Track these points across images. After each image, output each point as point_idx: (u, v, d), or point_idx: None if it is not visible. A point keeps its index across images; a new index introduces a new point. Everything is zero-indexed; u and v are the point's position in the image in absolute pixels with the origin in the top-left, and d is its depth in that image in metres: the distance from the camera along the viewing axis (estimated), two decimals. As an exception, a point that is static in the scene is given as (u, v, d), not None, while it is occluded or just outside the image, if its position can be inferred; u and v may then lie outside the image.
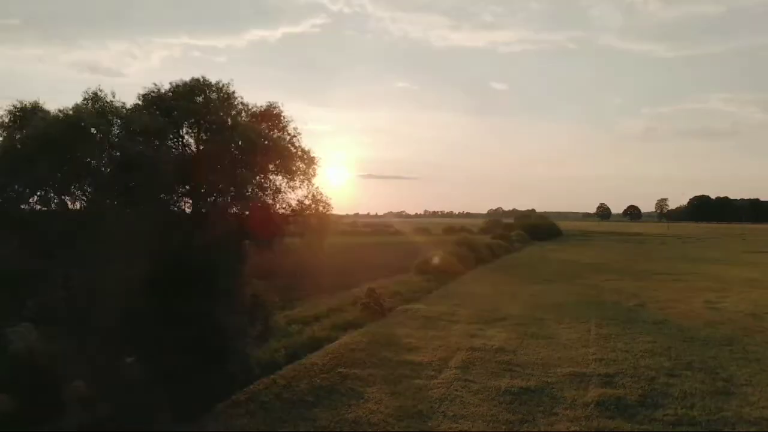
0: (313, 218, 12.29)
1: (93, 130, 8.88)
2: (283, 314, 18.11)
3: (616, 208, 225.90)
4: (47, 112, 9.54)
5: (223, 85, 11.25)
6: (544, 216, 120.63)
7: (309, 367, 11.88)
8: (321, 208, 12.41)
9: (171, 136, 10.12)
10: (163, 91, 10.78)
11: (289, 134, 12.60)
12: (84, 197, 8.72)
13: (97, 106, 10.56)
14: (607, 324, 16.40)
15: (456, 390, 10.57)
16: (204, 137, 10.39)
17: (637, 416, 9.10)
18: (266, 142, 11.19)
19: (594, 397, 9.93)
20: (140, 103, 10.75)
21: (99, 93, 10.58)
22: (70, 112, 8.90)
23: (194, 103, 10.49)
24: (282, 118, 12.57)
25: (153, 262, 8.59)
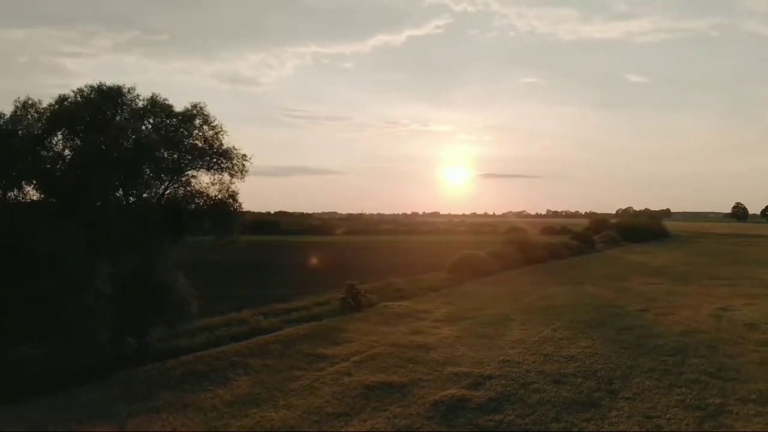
0: (222, 215, 13.01)
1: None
2: (276, 306, 19.02)
3: (759, 208, 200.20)
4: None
5: (128, 90, 12.37)
6: (656, 216, 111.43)
7: (213, 354, 12.55)
8: (231, 202, 13.11)
9: (58, 139, 11.35)
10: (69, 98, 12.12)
11: (215, 131, 13.49)
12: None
13: (32, 110, 12.28)
14: (570, 328, 15.25)
15: (322, 382, 10.67)
16: (98, 141, 11.45)
17: (458, 419, 8.63)
18: (164, 140, 12.13)
19: (439, 398, 9.52)
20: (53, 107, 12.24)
21: (29, 101, 12.29)
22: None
23: (91, 109, 11.69)
24: (207, 117, 13.49)
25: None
